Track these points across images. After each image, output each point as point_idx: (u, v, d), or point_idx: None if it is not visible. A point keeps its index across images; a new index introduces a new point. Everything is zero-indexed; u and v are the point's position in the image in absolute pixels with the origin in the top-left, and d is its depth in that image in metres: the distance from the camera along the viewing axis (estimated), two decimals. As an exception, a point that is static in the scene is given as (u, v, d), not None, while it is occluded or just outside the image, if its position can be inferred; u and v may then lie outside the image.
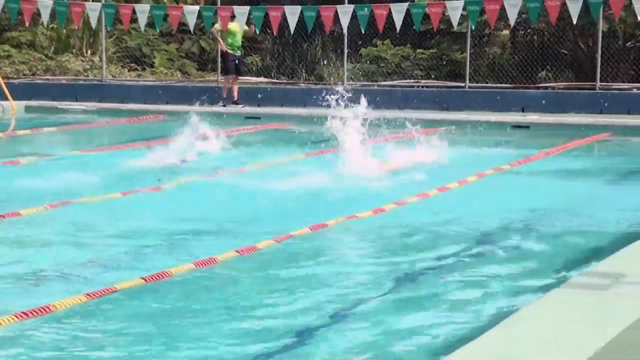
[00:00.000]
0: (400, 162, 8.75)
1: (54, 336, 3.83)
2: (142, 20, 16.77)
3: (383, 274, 4.83)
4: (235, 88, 15.70)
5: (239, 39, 15.65)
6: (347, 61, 16.64)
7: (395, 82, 16.97)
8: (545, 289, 4.23)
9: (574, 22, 14.33)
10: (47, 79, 18.15)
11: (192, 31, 16.48)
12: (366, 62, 17.84)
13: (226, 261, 5.00)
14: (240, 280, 4.82)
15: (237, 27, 15.64)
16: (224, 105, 15.51)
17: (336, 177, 7.89)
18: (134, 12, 16.86)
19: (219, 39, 15.77)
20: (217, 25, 15.79)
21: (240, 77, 16.21)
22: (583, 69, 16.27)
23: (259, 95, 16.46)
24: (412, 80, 16.99)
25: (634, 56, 16.29)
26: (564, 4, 14.05)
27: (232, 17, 15.70)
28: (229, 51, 15.48)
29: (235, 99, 15.60)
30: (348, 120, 8.79)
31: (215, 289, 4.65)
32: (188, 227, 6.07)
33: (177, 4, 18.91)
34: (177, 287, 4.60)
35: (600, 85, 14.80)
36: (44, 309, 4.01)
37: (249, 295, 4.51)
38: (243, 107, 15.45)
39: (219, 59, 16.42)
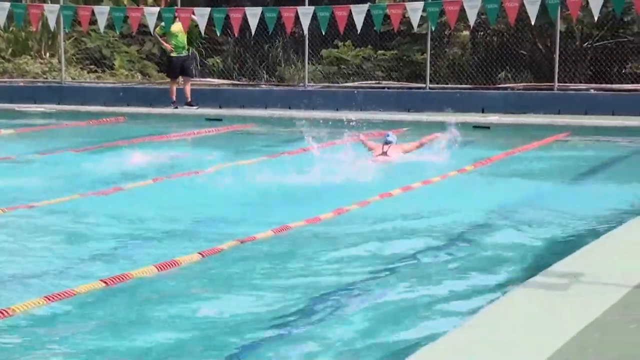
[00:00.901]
0: (364, 163, 8.77)
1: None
2: (102, 22, 16.58)
3: (342, 275, 4.82)
4: (188, 89, 15.60)
5: (182, 39, 15.58)
6: (308, 62, 16.63)
7: (356, 84, 16.99)
8: (505, 289, 4.25)
9: (532, 23, 14.47)
10: (5, 82, 17.88)
11: (152, 33, 16.33)
12: (327, 63, 17.84)
13: (190, 263, 4.96)
14: (199, 283, 4.77)
15: (179, 27, 15.56)
16: (176, 107, 15.43)
17: (300, 178, 7.87)
18: (93, 13, 16.67)
19: (162, 41, 15.76)
20: (158, 29, 15.76)
21: (194, 78, 16.20)
22: (541, 70, 16.44)
23: (221, 97, 16.40)
24: (374, 82, 17.03)
25: (590, 57, 16.49)
26: (522, 5, 14.17)
27: (174, 19, 15.63)
28: (174, 53, 15.44)
29: (189, 100, 15.50)
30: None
31: (177, 291, 4.60)
32: (148, 229, 6.01)
33: (137, 5, 18.74)
34: (140, 289, 4.54)
35: (558, 85, 14.96)
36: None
37: (205, 298, 4.47)
38: (197, 108, 15.36)
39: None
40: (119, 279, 4.55)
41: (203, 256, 5.09)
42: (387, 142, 9.24)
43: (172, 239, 5.80)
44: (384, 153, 9.19)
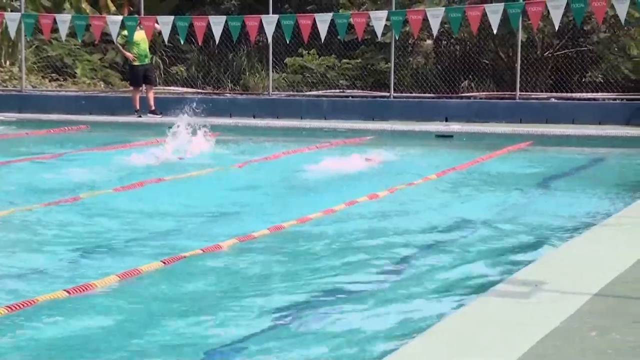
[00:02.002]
0: (328, 172, 8.80)
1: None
2: (63, 30, 16.42)
3: (306, 283, 4.80)
4: (151, 97, 15.50)
5: (144, 48, 15.48)
6: (272, 71, 16.62)
7: (320, 92, 17.00)
8: (467, 298, 4.26)
9: (495, 32, 14.61)
10: (-36, 90, 17.63)
11: (115, 41, 16.22)
12: (291, 71, 17.84)
13: (150, 272, 4.92)
14: (158, 293, 4.73)
15: (142, 36, 15.47)
16: (139, 116, 15.33)
17: (260, 187, 7.86)
18: (54, 21, 16.50)
19: (123, 50, 15.67)
20: (119, 38, 15.67)
21: (156, 86, 16.13)
22: (503, 79, 16.60)
23: (184, 106, 16.30)
24: (338, 90, 17.07)
25: (551, 66, 16.69)
26: (484, 15, 14.31)
27: (137, 27, 15.54)
28: (136, 62, 15.34)
29: (153, 108, 15.40)
30: None
31: (138, 302, 4.55)
32: (108, 238, 5.95)
33: (100, 13, 18.60)
34: (101, 298, 4.50)
35: (520, 94, 15.12)
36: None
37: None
38: (161, 116, 15.27)
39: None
40: (82, 288, 4.50)
41: (165, 264, 5.04)
42: None
43: (135, 248, 5.75)
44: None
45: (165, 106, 15.88)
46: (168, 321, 4.19)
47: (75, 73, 18.77)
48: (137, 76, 15.45)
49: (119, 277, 4.77)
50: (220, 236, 5.87)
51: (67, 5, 19.37)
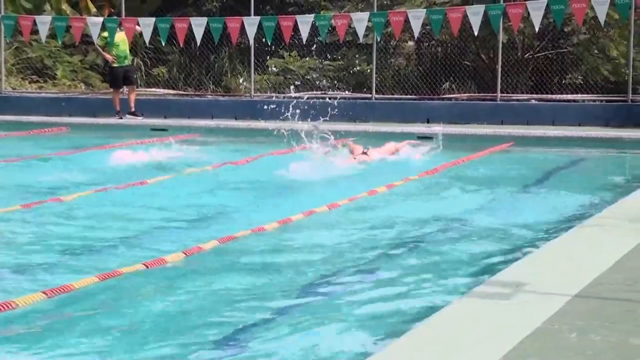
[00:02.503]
0: (308, 174, 8.78)
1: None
2: (43, 32, 16.32)
3: (284, 285, 4.79)
4: (132, 98, 15.44)
5: (123, 49, 15.41)
6: (254, 72, 16.61)
7: (302, 94, 16.98)
8: (448, 299, 4.26)
9: (475, 34, 14.65)
10: (-57, 92, 17.47)
11: (95, 43, 16.13)
12: (273, 73, 17.83)
13: (131, 273, 4.89)
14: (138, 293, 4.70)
15: (122, 37, 15.40)
16: (120, 118, 15.27)
17: (240, 189, 7.84)
18: (34, 23, 16.40)
19: (102, 52, 15.59)
20: (98, 40, 15.58)
21: (139, 88, 16.06)
22: (485, 80, 16.66)
23: (166, 107, 16.26)
24: (319, 92, 17.06)
25: (532, 67, 16.77)
26: (465, 16, 14.35)
27: (117, 29, 15.48)
28: (115, 64, 15.28)
29: (133, 109, 15.34)
30: None
31: (118, 299, 4.52)
32: (87, 239, 5.92)
33: (80, 15, 18.50)
34: (82, 300, 4.46)
35: (501, 96, 15.17)
36: None
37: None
38: (142, 117, 15.21)
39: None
40: (60, 290, 4.48)
41: (147, 267, 5.02)
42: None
43: (115, 249, 5.72)
44: (364, 153, 9.88)
45: (146, 108, 15.85)
46: (145, 324, 4.16)
47: (56, 75, 18.68)
48: (116, 78, 15.39)
49: (99, 278, 4.74)
50: (196, 239, 5.85)
51: (47, 6, 19.27)
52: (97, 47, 15.94)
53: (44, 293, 4.41)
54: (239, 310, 4.37)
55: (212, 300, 4.60)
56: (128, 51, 15.65)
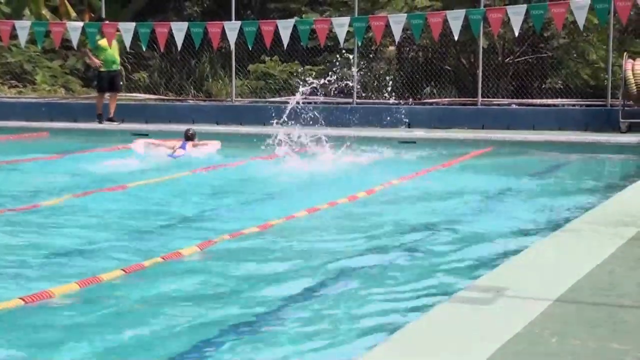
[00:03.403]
0: (293, 178, 8.80)
1: None
2: (23, 37, 16.23)
3: (266, 289, 4.78)
4: (113, 105, 15.38)
5: (111, 53, 15.35)
6: (235, 77, 16.58)
7: (284, 98, 16.97)
8: (428, 304, 4.26)
9: (456, 39, 14.70)
10: None
11: (75, 47, 16.05)
12: (254, 78, 17.81)
13: (112, 280, 4.86)
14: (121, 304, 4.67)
15: (107, 42, 15.35)
16: (100, 122, 15.21)
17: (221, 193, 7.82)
18: (14, 28, 16.30)
19: (91, 56, 15.49)
20: (89, 44, 15.54)
21: (120, 93, 15.99)
22: (465, 85, 16.73)
23: (147, 112, 16.20)
24: (301, 97, 17.02)
25: (512, 72, 16.85)
26: (446, 21, 14.40)
27: (101, 33, 15.41)
28: (103, 68, 15.22)
29: (111, 115, 15.28)
30: None
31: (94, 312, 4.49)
32: (72, 244, 5.88)
33: (61, 20, 18.40)
34: (60, 309, 4.43)
35: (482, 101, 15.24)
36: None
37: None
38: (119, 124, 15.16)
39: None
40: (40, 296, 4.44)
41: (126, 272, 4.99)
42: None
43: (95, 255, 5.69)
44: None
45: (127, 113, 15.78)
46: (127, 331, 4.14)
47: (35, 80, 18.56)
48: (101, 82, 15.36)
49: (79, 284, 4.71)
50: (181, 242, 5.83)
51: (26, 11, 19.15)
52: (86, 51, 15.85)
53: (22, 299, 4.38)
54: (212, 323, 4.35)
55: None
56: (117, 56, 15.58)
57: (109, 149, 12.19)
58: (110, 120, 15.26)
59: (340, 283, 5.01)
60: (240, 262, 5.57)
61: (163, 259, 5.36)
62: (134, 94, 18.05)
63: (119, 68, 15.84)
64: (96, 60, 15.31)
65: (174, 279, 5.10)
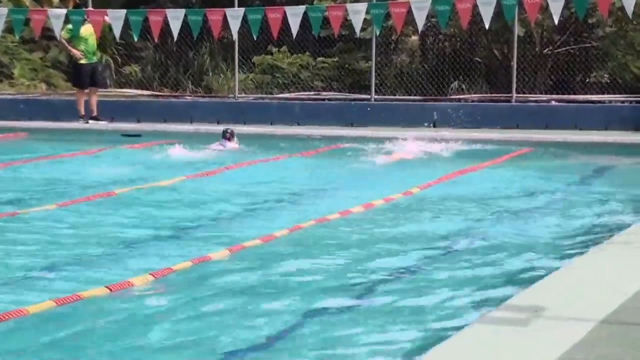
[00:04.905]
0: (304, 185, 8.87)
1: None
2: (-1, 26, 16.32)
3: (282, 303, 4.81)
4: (94, 101, 15.37)
5: (92, 44, 15.35)
6: (238, 71, 16.63)
7: (293, 95, 17.02)
8: (460, 324, 4.26)
9: (487, 27, 14.65)
10: None
11: (58, 37, 16.12)
12: (260, 71, 17.84)
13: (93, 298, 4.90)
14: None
15: (90, 30, 15.32)
16: (86, 122, 15.25)
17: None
18: (-11, 15, 16.39)
19: (69, 47, 15.43)
20: (64, 32, 15.44)
21: (108, 89, 16.05)
22: (498, 79, 16.71)
23: (139, 110, 16.26)
24: (312, 92, 17.09)
25: (551, 64, 16.82)
26: (475, 7, 14.36)
27: (84, 21, 15.41)
28: (83, 60, 15.21)
29: (94, 113, 15.29)
30: None
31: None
32: (55, 256, 5.93)
33: (41, 6, 18.50)
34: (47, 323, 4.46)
35: (517, 96, 15.22)
36: None
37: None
38: (105, 123, 15.21)
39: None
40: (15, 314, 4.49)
41: (112, 291, 5.04)
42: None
43: (84, 264, 5.75)
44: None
45: (116, 111, 15.86)
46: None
47: (13, 74, 18.66)
48: (82, 76, 15.30)
49: (55, 302, 4.76)
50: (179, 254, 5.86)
51: (3, -4, 19.29)
52: (62, 41, 15.78)
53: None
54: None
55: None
56: (96, 46, 15.61)
57: (96, 151, 12.25)
58: (95, 118, 15.28)
59: (361, 299, 5.05)
60: (246, 274, 5.60)
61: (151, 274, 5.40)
62: (125, 90, 18.12)
63: (97, 59, 15.84)
64: (76, 52, 15.26)
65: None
